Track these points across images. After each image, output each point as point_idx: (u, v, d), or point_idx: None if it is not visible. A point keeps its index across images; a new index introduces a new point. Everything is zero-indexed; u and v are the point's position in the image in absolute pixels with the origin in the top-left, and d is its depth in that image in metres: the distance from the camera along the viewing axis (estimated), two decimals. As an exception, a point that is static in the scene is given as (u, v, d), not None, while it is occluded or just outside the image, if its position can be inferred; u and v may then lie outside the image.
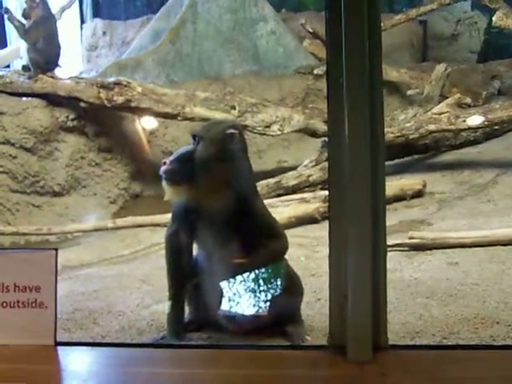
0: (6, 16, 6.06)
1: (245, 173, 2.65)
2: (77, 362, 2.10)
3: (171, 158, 2.58)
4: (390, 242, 3.79)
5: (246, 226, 2.55)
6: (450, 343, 2.45)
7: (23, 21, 5.88)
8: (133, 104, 5.79)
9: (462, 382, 1.82)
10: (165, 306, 2.94)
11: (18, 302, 2.15)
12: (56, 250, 2.18)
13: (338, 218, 2.00)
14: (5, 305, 2.15)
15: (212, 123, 2.85)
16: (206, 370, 1.94)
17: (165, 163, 2.56)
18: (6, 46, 7.65)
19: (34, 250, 2.38)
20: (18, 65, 7.01)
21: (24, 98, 5.82)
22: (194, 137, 2.61)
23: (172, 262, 2.66)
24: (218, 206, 2.55)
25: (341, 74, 1.95)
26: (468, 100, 6.60)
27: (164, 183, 2.57)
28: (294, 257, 3.36)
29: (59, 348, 2.10)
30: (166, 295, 2.72)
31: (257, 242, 2.56)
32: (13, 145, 5.65)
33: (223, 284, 2.57)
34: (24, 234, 5.02)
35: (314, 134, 6.03)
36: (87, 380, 1.90)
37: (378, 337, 1.97)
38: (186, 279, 2.67)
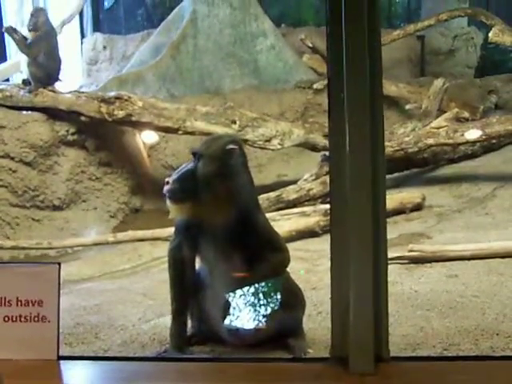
0: (6, 32, 6.11)
1: (246, 187, 2.66)
2: (79, 377, 2.10)
3: (173, 176, 2.59)
4: (389, 254, 3.75)
5: (249, 240, 2.56)
6: (450, 355, 2.46)
7: (26, 34, 5.91)
8: (133, 118, 5.82)
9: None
10: (167, 320, 2.95)
11: (20, 316, 2.15)
12: (59, 264, 2.19)
13: (340, 231, 2.02)
14: (7, 319, 2.15)
15: (211, 139, 2.85)
16: (209, 383, 1.94)
17: (168, 182, 2.57)
18: (5, 59, 7.69)
19: (36, 264, 2.39)
20: (17, 79, 7.05)
21: (24, 112, 5.83)
22: (193, 154, 2.63)
23: (175, 276, 2.67)
24: (220, 221, 2.57)
25: (342, 88, 1.97)
26: (466, 114, 6.64)
27: (168, 202, 2.58)
28: (295, 270, 3.36)
29: (62, 362, 2.10)
30: (168, 309, 2.72)
31: (259, 255, 2.58)
32: (12, 159, 5.66)
33: (225, 298, 2.58)
34: (24, 248, 5.01)
35: (314, 148, 6.06)
36: (90, 393, 1.90)
37: (379, 348, 1.98)
38: (189, 293, 2.68)
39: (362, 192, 1.97)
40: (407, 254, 3.91)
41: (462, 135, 5.74)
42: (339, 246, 2.03)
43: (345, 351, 1.96)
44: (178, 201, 2.57)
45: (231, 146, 2.60)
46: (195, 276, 2.70)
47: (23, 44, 5.91)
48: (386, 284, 2.03)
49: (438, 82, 6.81)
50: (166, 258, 2.71)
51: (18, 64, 6.46)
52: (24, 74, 6.06)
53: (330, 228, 2.08)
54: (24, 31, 5.95)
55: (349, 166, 1.96)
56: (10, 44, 7.64)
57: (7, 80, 7.19)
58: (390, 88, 7.17)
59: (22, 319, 2.14)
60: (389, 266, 2.85)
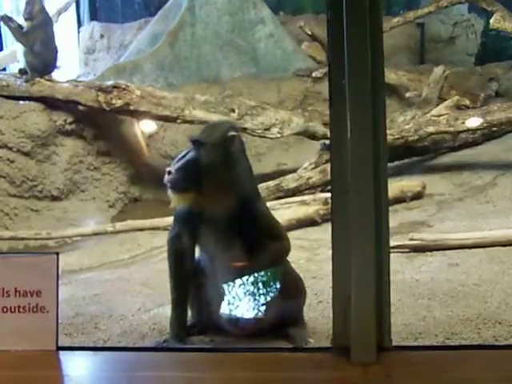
0: (1, 21, 6.06)
1: (247, 174, 2.65)
2: (79, 367, 2.08)
3: (175, 166, 2.56)
4: (390, 243, 3.78)
5: (249, 228, 2.55)
6: (453, 344, 2.45)
7: (22, 23, 5.86)
8: (132, 107, 5.78)
9: (466, 382, 1.82)
10: (166, 310, 2.94)
11: (18, 306, 2.13)
12: (57, 254, 2.16)
13: (341, 220, 1.99)
14: (5, 310, 2.13)
15: (210, 126, 2.82)
16: (209, 373, 1.92)
17: (169, 172, 2.54)
18: (1, 49, 7.64)
19: (34, 254, 2.38)
20: (14, 68, 7.00)
21: (21, 102, 5.80)
22: (194, 142, 2.60)
23: (174, 266, 2.65)
24: (221, 209, 2.55)
25: (343, 75, 1.94)
26: (466, 102, 6.60)
27: (170, 192, 2.56)
28: (295, 259, 3.35)
29: (61, 353, 2.08)
30: (167, 299, 2.71)
31: (260, 243, 2.56)
32: (10, 149, 5.62)
33: (225, 287, 2.57)
34: (22, 239, 5.00)
35: (313, 136, 6.02)
36: (90, 385, 1.89)
37: (381, 338, 1.96)
38: (189, 283, 2.66)
39: (363, 180, 1.94)
40: (408, 242, 3.90)
41: (463, 123, 5.70)
42: (340, 235, 2.01)
43: (346, 341, 1.94)
44: (181, 190, 2.54)
45: (232, 133, 2.57)
46: (195, 265, 2.68)
47: (19, 33, 5.86)
48: (389, 273, 2.00)
49: (438, 70, 6.77)
50: (166, 248, 2.69)
51: (15, 53, 6.41)
52: (21, 63, 6.01)
53: (331, 217, 2.06)
54: (20, 20, 5.90)
55: (350, 153, 1.94)
56: (7, 33, 7.58)
57: (4, 69, 7.13)
58: (389, 76, 7.12)
59: (21, 310, 2.12)
60: (390, 255, 2.83)
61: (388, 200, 2.05)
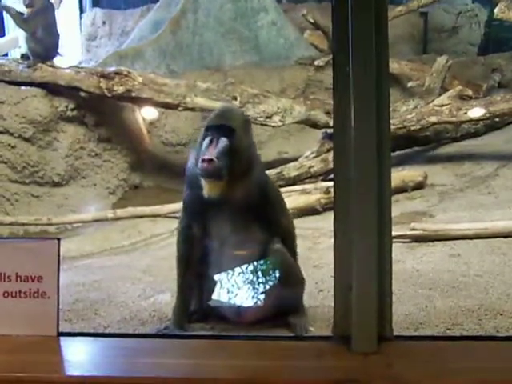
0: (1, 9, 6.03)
1: (259, 158, 2.67)
2: (79, 353, 2.08)
3: (214, 153, 2.47)
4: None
5: (263, 212, 2.55)
6: (454, 334, 2.45)
7: (23, 9, 5.83)
8: (133, 94, 5.76)
9: (467, 373, 1.82)
10: (166, 297, 2.94)
11: (19, 291, 2.12)
12: (59, 239, 2.15)
13: (343, 209, 1.98)
14: (6, 295, 2.12)
15: (226, 111, 2.70)
16: (210, 360, 1.92)
17: (210, 160, 2.45)
18: (3, 35, 7.60)
19: (36, 240, 2.36)
20: (16, 53, 6.97)
21: (23, 87, 5.78)
22: (224, 128, 2.53)
23: (184, 255, 2.65)
24: (238, 196, 2.54)
25: (347, 62, 1.92)
26: (469, 92, 6.58)
27: (209, 180, 2.51)
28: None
29: (61, 338, 2.08)
30: (167, 286, 2.71)
31: (269, 228, 2.57)
32: (12, 134, 5.62)
33: (224, 275, 2.57)
34: (23, 225, 5.01)
35: (315, 125, 6.00)
36: (90, 370, 1.89)
37: (382, 327, 1.95)
38: (195, 271, 2.65)
39: (366, 168, 1.93)
40: (409, 232, 3.90)
41: (465, 113, 5.69)
42: (343, 224, 1.99)
43: (347, 330, 1.93)
44: (221, 178, 2.50)
45: (247, 116, 2.58)
46: (203, 254, 2.67)
47: (20, 19, 5.83)
48: (391, 262, 1.99)
49: (441, 60, 6.73)
50: (176, 236, 2.69)
51: (17, 39, 6.38)
52: (22, 48, 5.99)
53: (334, 206, 2.05)
54: (22, 7, 5.86)
55: (353, 142, 1.92)
56: (9, 19, 7.55)
57: (6, 55, 7.11)
58: (392, 65, 7.07)
59: (22, 295, 2.12)
60: (392, 245, 2.81)
61: (391, 189, 2.04)
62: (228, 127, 2.52)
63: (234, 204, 2.54)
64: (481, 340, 2.27)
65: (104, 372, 1.88)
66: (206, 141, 2.51)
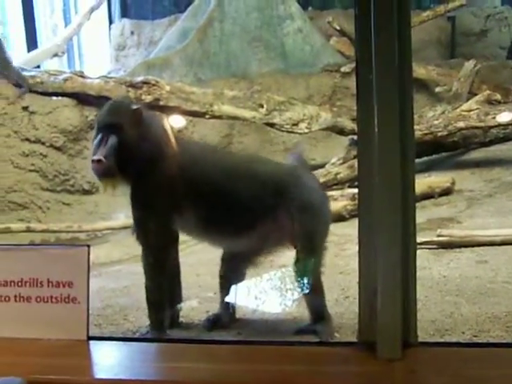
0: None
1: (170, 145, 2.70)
2: (109, 357, 2.12)
3: (103, 153, 2.50)
4: (418, 239, 3.74)
5: None
6: (480, 341, 2.44)
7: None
8: (161, 102, 5.84)
9: (493, 381, 1.80)
10: (193, 303, 2.98)
11: (51, 297, 2.17)
12: (88, 246, 2.21)
13: (368, 216, 1.99)
14: (39, 300, 2.18)
15: (112, 107, 2.70)
16: (237, 365, 1.94)
17: (99, 161, 2.50)
18: (36, 47, 7.77)
19: (66, 247, 2.42)
20: (47, 65, 7.12)
21: (54, 98, 5.90)
22: (103, 125, 2.57)
23: None
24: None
25: (370, 70, 1.94)
26: (498, 97, 6.51)
27: (101, 180, 2.62)
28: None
29: (91, 342, 2.12)
30: (194, 292, 2.74)
31: None
32: (43, 144, 5.74)
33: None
34: (54, 232, 5.09)
35: (341, 131, 6.02)
36: (119, 374, 1.92)
37: (407, 334, 1.96)
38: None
39: (390, 176, 1.94)
40: (436, 238, 3.88)
41: (494, 118, 5.64)
42: (367, 230, 2.01)
43: (372, 336, 1.94)
44: (113, 176, 2.57)
45: (138, 107, 2.64)
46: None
47: None
48: (415, 268, 2.00)
49: (469, 64, 6.69)
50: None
51: (49, 51, 6.52)
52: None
53: (358, 212, 2.06)
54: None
55: (377, 149, 1.94)
56: (41, 32, 7.72)
57: (38, 66, 7.26)
58: (419, 70, 7.07)
59: (53, 300, 2.17)
60: (417, 251, 2.81)
61: (415, 195, 2.05)
62: (115, 124, 2.53)
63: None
64: (507, 347, 2.26)
65: (132, 375, 1.92)
66: (96, 140, 2.55)
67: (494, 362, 1.94)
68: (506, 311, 2.73)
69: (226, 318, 2.77)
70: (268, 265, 2.95)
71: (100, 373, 1.97)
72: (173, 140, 2.62)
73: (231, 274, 2.72)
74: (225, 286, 2.74)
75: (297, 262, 2.62)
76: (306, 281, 2.62)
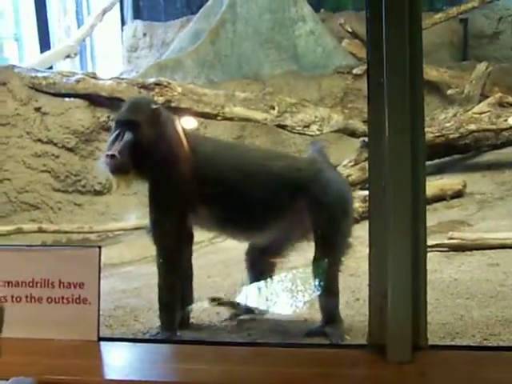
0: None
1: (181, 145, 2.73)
2: (119, 358, 2.14)
3: (118, 148, 2.52)
4: (429, 242, 3.71)
5: None
6: (490, 344, 2.43)
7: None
8: (173, 104, 5.84)
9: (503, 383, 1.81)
10: (204, 305, 2.98)
11: (62, 297, 2.20)
12: (99, 247, 2.23)
13: (378, 218, 2.00)
14: (50, 300, 2.20)
15: (132, 105, 2.70)
16: (247, 366, 1.95)
17: (112, 156, 2.51)
18: (49, 48, 7.82)
19: (78, 248, 2.45)
20: (60, 66, 7.16)
21: (66, 99, 5.93)
22: (121, 122, 2.58)
23: None
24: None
25: (381, 73, 1.95)
26: (510, 99, 6.47)
27: (113, 175, 2.64)
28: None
29: (102, 343, 2.14)
30: (206, 292, 2.75)
31: None
32: (55, 144, 5.77)
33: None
34: (66, 232, 5.12)
35: (353, 133, 6.01)
36: (129, 375, 1.94)
37: (417, 337, 1.96)
38: None
39: (401, 178, 1.94)
40: (447, 241, 3.87)
41: (506, 121, 5.62)
42: (378, 233, 2.01)
43: (382, 339, 1.95)
44: (126, 172, 2.62)
45: (158, 107, 2.68)
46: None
47: None
48: (425, 271, 2.00)
49: (481, 66, 6.66)
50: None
51: (61, 52, 6.56)
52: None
53: (369, 214, 2.07)
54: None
55: (388, 152, 1.94)
56: (54, 33, 7.77)
57: (50, 68, 7.31)
58: (430, 73, 7.04)
59: (64, 301, 2.19)
60: (428, 254, 2.79)
61: (426, 198, 2.05)
62: (133, 121, 2.53)
63: None
64: (518, 351, 2.25)
65: (142, 376, 1.94)
66: (113, 136, 2.56)
67: (504, 365, 1.94)
68: (517, 315, 2.73)
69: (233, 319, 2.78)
70: (280, 266, 2.95)
71: (110, 373, 1.99)
72: (185, 140, 2.63)
73: (255, 266, 2.73)
74: (250, 278, 2.77)
75: (315, 259, 2.63)
76: (321, 279, 2.62)
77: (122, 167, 2.52)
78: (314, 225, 2.60)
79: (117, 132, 2.54)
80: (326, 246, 2.66)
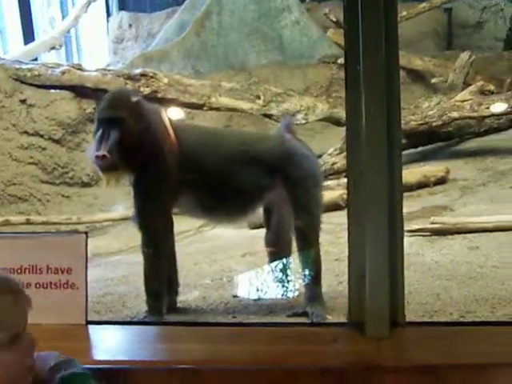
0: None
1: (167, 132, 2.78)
2: (107, 340, 2.18)
3: (106, 148, 2.54)
4: (412, 227, 3.84)
5: None
6: (465, 320, 2.51)
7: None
8: (159, 95, 5.88)
9: (478, 357, 1.86)
10: (191, 290, 3.04)
11: (50, 283, 2.23)
12: (86, 233, 2.27)
13: (357, 202, 2.06)
14: (38, 286, 2.23)
15: (113, 100, 2.70)
16: (230, 345, 2.00)
17: (103, 157, 2.55)
18: (33, 39, 7.80)
19: (65, 234, 2.48)
20: (45, 57, 7.15)
21: (52, 90, 5.93)
22: (105, 120, 2.60)
23: None
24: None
25: (358, 60, 2.00)
26: (491, 87, 6.56)
27: (105, 174, 2.68)
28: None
29: (90, 327, 2.18)
30: (193, 280, 2.81)
31: None
32: (42, 136, 5.78)
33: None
34: (54, 224, 5.14)
35: (338, 122, 6.06)
36: (117, 355, 1.98)
37: (395, 314, 2.02)
38: None
39: (377, 164, 1.99)
40: (429, 226, 3.94)
41: (487, 108, 5.70)
42: (356, 216, 2.07)
43: (361, 316, 2.01)
44: (117, 169, 2.64)
45: (138, 98, 2.72)
46: None
47: None
48: (402, 252, 2.06)
49: (464, 55, 6.75)
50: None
51: (46, 43, 6.54)
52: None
53: (347, 199, 2.12)
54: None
55: (365, 138, 1.99)
56: (38, 24, 7.74)
57: (35, 59, 7.30)
58: (415, 62, 7.11)
59: (53, 286, 2.22)
60: (411, 238, 2.88)
61: (402, 182, 2.10)
62: (116, 118, 2.55)
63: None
64: (492, 325, 2.32)
65: (130, 356, 1.98)
66: (98, 135, 2.57)
67: (479, 339, 2.00)
68: (493, 293, 2.81)
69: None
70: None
71: (99, 354, 2.03)
72: (171, 130, 2.68)
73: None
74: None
75: (296, 229, 2.72)
76: (304, 250, 2.69)
77: (112, 165, 2.55)
78: (291, 198, 2.70)
79: (102, 130, 2.56)
80: (304, 214, 2.76)
